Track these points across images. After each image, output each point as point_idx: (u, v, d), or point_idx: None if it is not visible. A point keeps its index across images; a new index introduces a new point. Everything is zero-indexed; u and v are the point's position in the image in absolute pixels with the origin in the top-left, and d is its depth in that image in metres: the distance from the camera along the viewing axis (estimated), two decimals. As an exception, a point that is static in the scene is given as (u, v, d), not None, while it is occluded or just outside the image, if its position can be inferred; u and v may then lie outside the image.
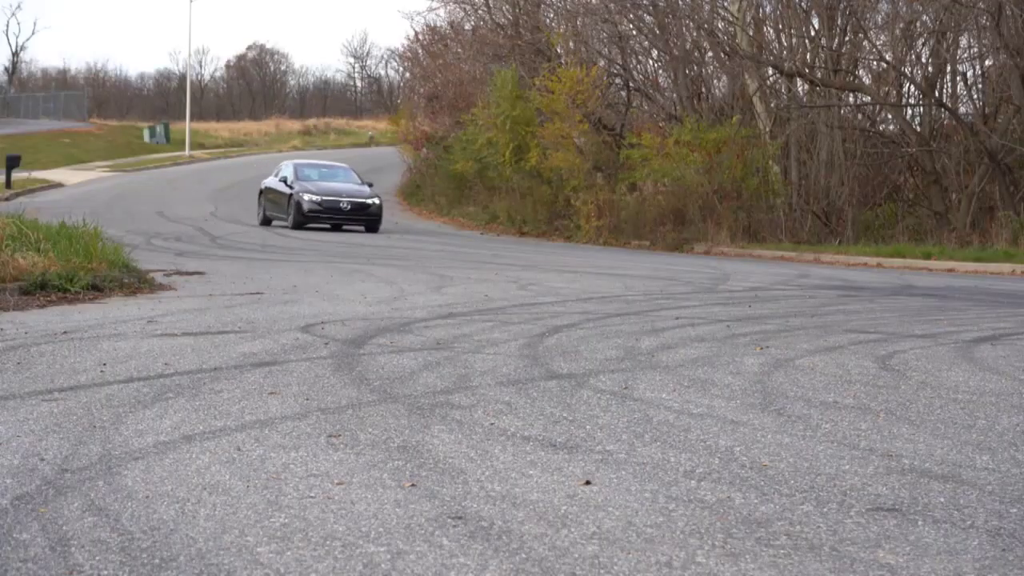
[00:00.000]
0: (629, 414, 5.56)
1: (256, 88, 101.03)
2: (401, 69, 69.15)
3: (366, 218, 27.45)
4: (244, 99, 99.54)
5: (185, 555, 3.47)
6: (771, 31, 29.01)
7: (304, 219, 27.10)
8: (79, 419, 5.40)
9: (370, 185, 28.83)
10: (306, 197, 27.05)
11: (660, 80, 32.22)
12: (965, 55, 26.36)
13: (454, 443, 4.93)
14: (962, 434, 5.19)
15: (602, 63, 31.44)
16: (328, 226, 27.52)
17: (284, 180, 28.20)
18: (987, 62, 25.86)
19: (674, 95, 29.82)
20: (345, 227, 27.60)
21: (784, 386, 6.37)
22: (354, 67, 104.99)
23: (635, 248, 25.13)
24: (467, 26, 40.76)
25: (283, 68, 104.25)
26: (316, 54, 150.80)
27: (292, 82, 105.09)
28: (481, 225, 32.84)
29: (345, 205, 27.12)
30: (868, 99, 27.00)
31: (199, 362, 7.04)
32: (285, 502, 4.02)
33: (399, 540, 3.61)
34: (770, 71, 28.09)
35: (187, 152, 60.96)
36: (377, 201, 27.75)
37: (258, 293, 11.55)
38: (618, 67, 31.71)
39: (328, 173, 29.41)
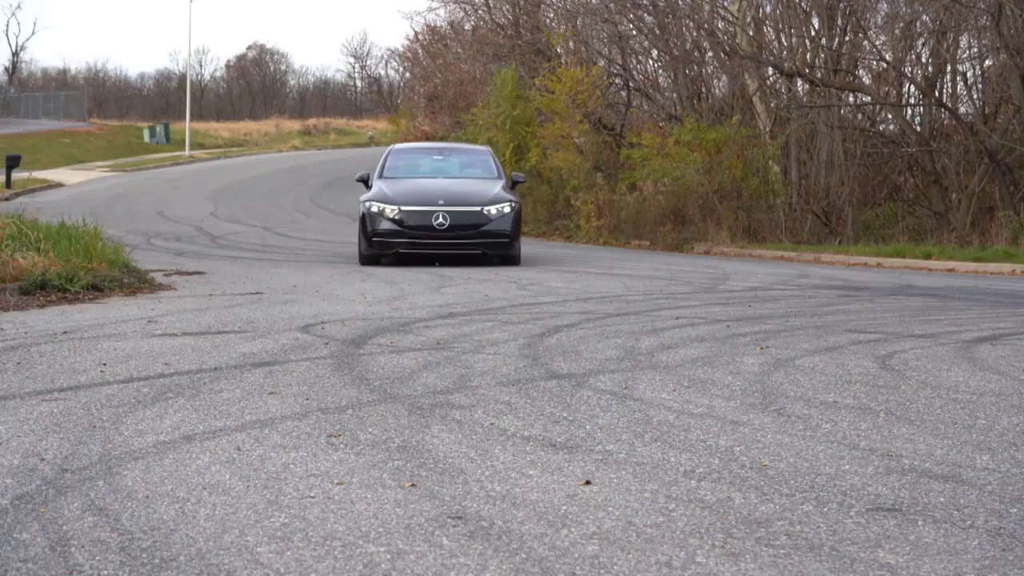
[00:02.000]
0: (629, 414, 5.56)
1: (256, 88, 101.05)
2: (401, 69, 69.26)
3: (482, 240, 16.18)
4: (244, 99, 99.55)
5: (185, 555, 3.47)
6: (771, 31, 29.01)
7: (371, 246, 16.18)
8: (79, 419, 5.40)
9: (515, 184, 17.77)
10: (374, 208, 16.08)
11: (660, 80, 32.22)
12: (965, 55, 26.36)
13: (454, 443, 4.93)
14: (962, 434, 5.19)
15: (602, 63, 31.45)
16: (423, 255, 16.35)
17: (364, 180, 17.63)
18: (987, 62, 25.86)
19: (674, 95, 29.83)
20: (452, 254, 16.36)
21: (784, 386, 6.37)
22: (354, 67, 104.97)
23: (635, 248, 25.13)
24: (467, 26, 40.79)
25: (283, 68, 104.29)
26: (316, 54, 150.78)
27: (292, 82, 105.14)
28: (481, 225, 32.81)
29: (441, 220, 15.92)
30: (868, 99, 27.00)
31: (199, 362, 7.04)
32: (285, 502, 4.02)
33: (399, 540, 3.61)
34: (770, 71, 28.08)
35: (187, 152, 60.97)
36: (507, 208, 16.31)
37: (258, 293, 11.55)
38: (618, 67, 31.72)
39: (438, 165, 18.40)
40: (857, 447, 4.90)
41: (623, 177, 28.11)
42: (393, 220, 16.04)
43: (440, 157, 18.95)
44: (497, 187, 17.00)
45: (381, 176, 17.34)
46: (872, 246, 21.98)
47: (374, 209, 16.15)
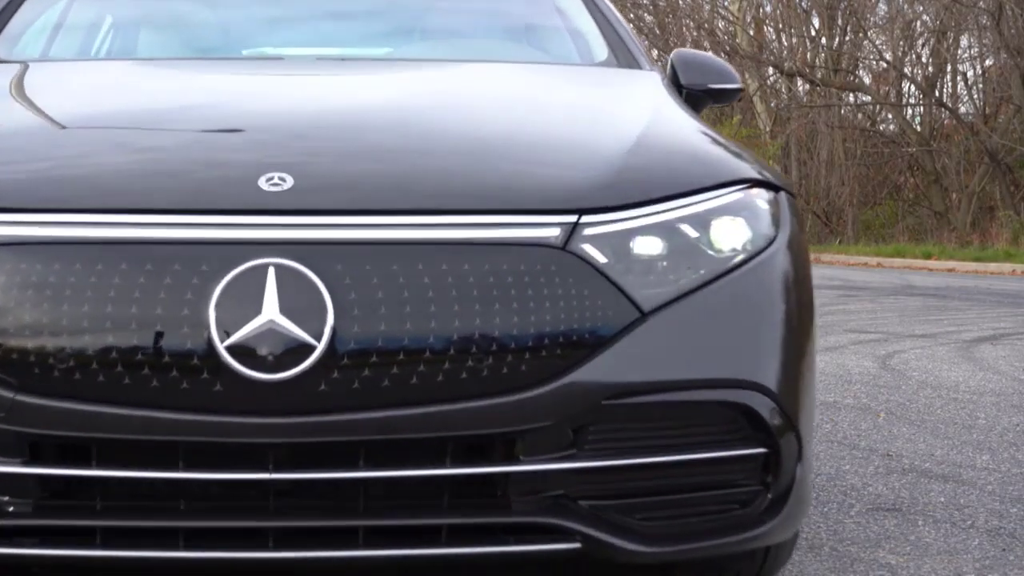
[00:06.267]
0: (629, 414, 5.55)
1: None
2: (401, 69, 69.07)
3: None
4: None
5: (185, 555, 3.46)
6: (771, 31, 29.04)
7: None
8: (79, 419, 5.38)
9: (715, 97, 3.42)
10: None
11: (660, 80, 32.23)
12: (965, 55, 26.39)
13: (454, 443, 4.92)
14: (962, 434, 5.19)
15: (602, 63, 31.45)
16: None
17: None
18: (987, 62, 25.89)
19: (674, 95, 29.84)
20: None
21: (784, 386, 6.36)
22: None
23: (635, 248, 25.13)
24: (467, 26, 40.78)
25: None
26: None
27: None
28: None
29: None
30: (868, 99, 27.02)
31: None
32: (285, 502, 4.01)
33: (399, 540, 3.60)
34: (770, 71, 28.11)
35: (187, 152, 61.01)
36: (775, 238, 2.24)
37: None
38: (618, 67, 31.72)
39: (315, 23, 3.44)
40: (857, 447, 4.90)
41: (623, 177, 28.14)
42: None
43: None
44: (664, 112, 2.66)
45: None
46: (872, 246, 22.00)
47: None
